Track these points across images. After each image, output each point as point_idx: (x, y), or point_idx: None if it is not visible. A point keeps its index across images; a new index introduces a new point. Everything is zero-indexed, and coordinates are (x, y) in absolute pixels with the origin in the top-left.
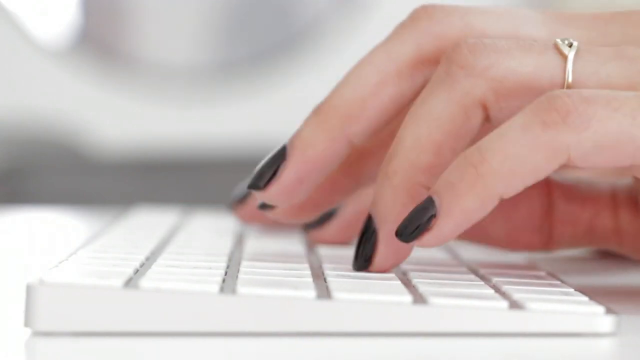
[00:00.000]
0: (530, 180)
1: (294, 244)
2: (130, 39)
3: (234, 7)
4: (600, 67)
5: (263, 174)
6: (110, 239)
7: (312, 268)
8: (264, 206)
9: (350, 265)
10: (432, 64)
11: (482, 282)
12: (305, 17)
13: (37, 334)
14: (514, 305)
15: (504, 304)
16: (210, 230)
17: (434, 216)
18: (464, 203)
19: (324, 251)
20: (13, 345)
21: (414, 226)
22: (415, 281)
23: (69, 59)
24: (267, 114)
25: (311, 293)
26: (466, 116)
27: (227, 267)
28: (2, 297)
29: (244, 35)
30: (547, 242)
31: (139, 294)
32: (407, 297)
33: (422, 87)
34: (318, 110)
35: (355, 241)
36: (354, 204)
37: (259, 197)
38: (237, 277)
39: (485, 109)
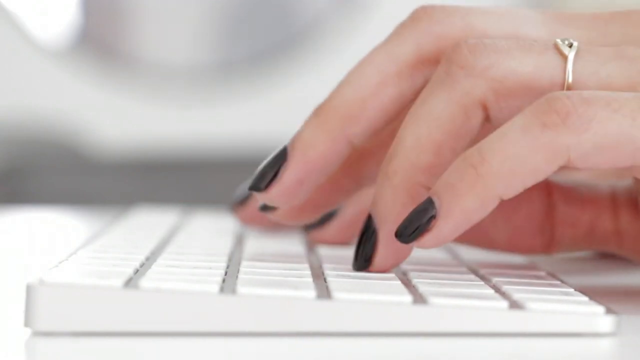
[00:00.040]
0: (530, 181)
1: (294, 244)
2: (130, 39)
3: (234, 7)
4: (600, 67)
5: (264, 176)
6: (110, 239)
7: (312, 268)
8: (265, 208)
9: (350, 265)
10: (432, 64)
11: (482, 282)
12: (305, 17)
13: (37, 334)
14: (514, 305)
15: (504, 304)
16: (210, 230)
17: (433, 217)
18: (464, 204)
19: (324, 251)
20: (13, 345)
21: (414, 227)
22: (415, 281)
23: (69, 59)
24: (267, 114)
25: (311, 293)
26: (466, 116)
27: (227, 267)
28: (2, 297)
29: (244, 35)
30: (548, 245)
31: (139, 294)
32: (407, 297)
33: (423, 87)
34: (318, 111)
35: (355, 241)
36: (354, 204)
37: (260, 198)
38: (237, 277)
39: (485, 109)
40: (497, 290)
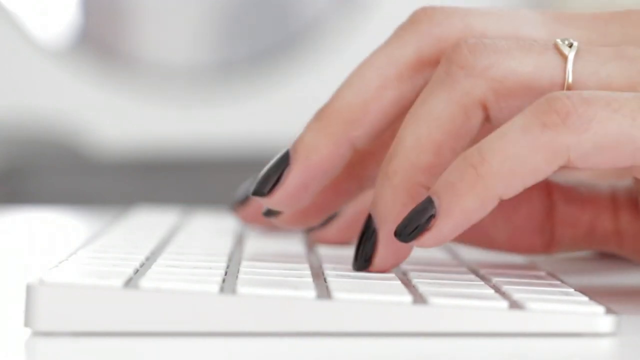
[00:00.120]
0: (530, 181)
1: (294, 244)
2: (130, 39)
3: (234, 7)
4: (600, 67)
5: (267, 180)
6: (110, 239)
7: (312, 268)
8: (269, 213)
9: (350, 265)
10: (432, 66)
11: (482, 282)
12: (305, 17)
13: (37, 334)
14: (514, 305)
15: (504, 304)
16: (210, 230)
17: (433, 216)
18: (464, 203)
19: (324, 251)
20: (13, 345)
21: (413, 226)
22: (415, 281)
23: (69, 59)
24: (267, 114)
25: (311, 293)
26: (466, 116)
27: (227, 267)
28: (2, 297)
29: (244, 35)
30: (548, 245)
31: (139, 294)
32: (407, 297)
33: (423, 88)
34: (320, 115)
35: (355, 241)
36: (355, 205)
37: (264, 203)
38: (237, 277)
39: (485, 109)
40: (497, 290)
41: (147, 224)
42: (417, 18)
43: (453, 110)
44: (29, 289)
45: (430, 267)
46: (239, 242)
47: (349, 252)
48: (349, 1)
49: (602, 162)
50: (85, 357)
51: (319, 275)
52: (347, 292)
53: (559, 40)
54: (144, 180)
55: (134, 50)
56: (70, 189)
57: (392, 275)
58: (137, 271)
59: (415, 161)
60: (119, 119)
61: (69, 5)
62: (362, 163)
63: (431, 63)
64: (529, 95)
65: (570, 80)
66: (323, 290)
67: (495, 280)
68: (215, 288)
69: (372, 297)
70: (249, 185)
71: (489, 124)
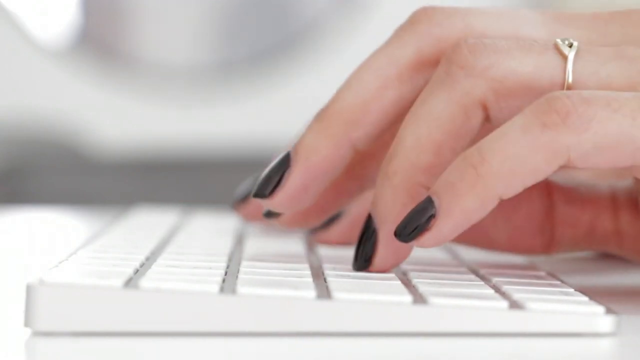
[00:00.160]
0: (530, 181)
1: (294, 244)
2: (130, 39)
3: (234, 7)
4: (600, 67)
5: (268, 182)
6: (110, 239)
7: (312, 268)
8: (269, 214)
9: (350, 265)
10: (432, 66)
11: (482, 282)
12: (305, 17)
13: (37, 334)
14: (514, 305)
15: (504, 304)
16: (210, 230)
17: (433, 216)
18: (464, 203)
19: (324, 251)
20: (13, 345)
21: (413, 226)
22: (415, 281)
23: (69, 59)
24: (267, 114)
25: (311, 293)
26: (466, 116)
27: (227, 267)
28: (2, 297)
29: (244, 35)
30: (548, 245)
31: (139, 294)
32: (407, 297)
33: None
34: (320, 116)
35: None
36: (358, 206)
37: (265, 205)
38: (237, 277)
39: (485, 109)
40: (497, 290)
41: (147, 224)
42: (417, 18)
43: (453, 110)
44: (29, 289)
45: (430, 267)
46: (239, 242)
47: (349, 252)
48: (349, 1)
49: (602, 162)
50: (85, 357)
51: (319, 275)
52: (347, 292)
53: (559, 40)
54: (144, 180)
55: (134, 50)
56: (70, 189)
57: (392, 275)
58: (137, 271)
59: (415, 161)
60: (119, 119)
61: (69, 5)
62: (363, 163)
63: (431, 63)
64: (529, 95)
65: (570, 80)
66: (323, 290)
67: (495, 280)
68: (215, 288)
69: (372, 297)
70: (249, 183)
71: (489, 124)
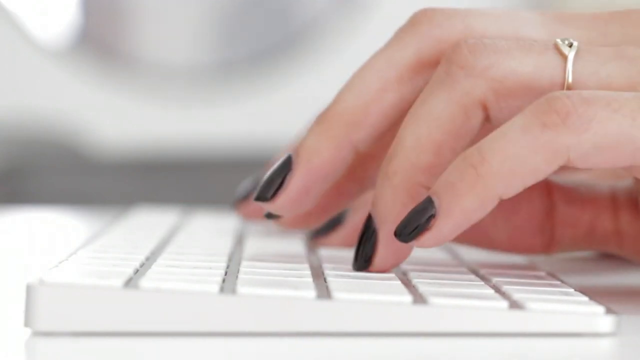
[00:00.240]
0: (529, 181)
1: (294, 244)
2: (130, 39)
3: (234, 7)
4: (600, 67)
5: (270, 185)
6: (110, 239)
7: (312, 268)
8: (270, 215)
9: (350, 265)
10: (433, 68)
11: (482, 282)
12: (304, 17)
13: (37, 334)
14: (514, 305)
15: (504, 304)
16: (210, 230)
17: (433, 216)
18: (464, 203)
19: (324, 251)
20: (13, 345)
21: (413, 226)
22: (415, 281)
23: (69, 59)
24: (267, 114)
25: (311, 293)
26: (466, 116)
27: (227, 267)
28: (2, 297)
29: (244, 35)
30: (548, 245)
31: (139, 294)
32: (407, 297)
33: None
34: (321, 119)
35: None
36: (361, 210)
37: (267, 208)
38: (237, 277)
39: (485, 109)
40: (497, 290)
41: (147, 224)
42: (417, 20)
43: (453, 110)
44: (29, 289)
45: (430, 267)
46: (239, 242)
47: (349, 252)
48: (349, 1)
49: (602, 162)
50: (85, 357)
51: (319, 275)
52: (347, 292)
53: (559, 40)
54: (144, 180)
55: (134, 50)
56: (70, 189)
57: (392, 275)
58: (137, 271)
59: (415, 161)
60: (119, 119)
61: (69, 5)
62: (363, 165)
63: (431, 64)
64: (529, 95)
65: (570, 80)
66: (323, 290)
67: (495, 280)
68: (215, 288)
69: (372, 297)
70: (250, 182)
71: (489, 124)
